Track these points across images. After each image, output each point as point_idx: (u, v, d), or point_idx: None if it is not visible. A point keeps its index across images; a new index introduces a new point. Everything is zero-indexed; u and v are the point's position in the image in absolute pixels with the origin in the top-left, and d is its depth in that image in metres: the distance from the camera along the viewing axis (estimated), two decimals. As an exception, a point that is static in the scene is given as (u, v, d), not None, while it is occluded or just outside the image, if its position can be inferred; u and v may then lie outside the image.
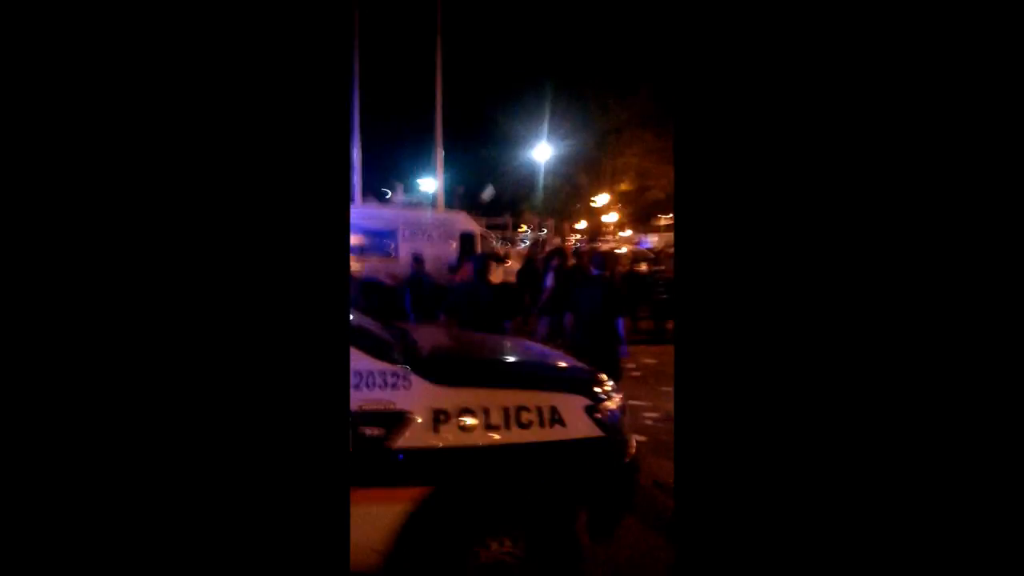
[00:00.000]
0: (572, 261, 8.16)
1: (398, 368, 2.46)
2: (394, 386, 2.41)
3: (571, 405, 2.55)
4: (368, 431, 2.31)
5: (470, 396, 2.45)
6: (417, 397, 2.40)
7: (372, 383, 2.40)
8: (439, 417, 2.38)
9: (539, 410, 2.48)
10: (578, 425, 2.53)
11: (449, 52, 16.35)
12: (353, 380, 2.36)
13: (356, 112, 15.84)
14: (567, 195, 26.38)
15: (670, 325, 10.38)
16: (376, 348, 2.57)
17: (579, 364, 3.21)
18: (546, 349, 3.63)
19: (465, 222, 13.88)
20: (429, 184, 23.91)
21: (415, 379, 2.43)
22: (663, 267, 10.97)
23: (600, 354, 4.28)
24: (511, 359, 3.31)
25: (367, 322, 3.04)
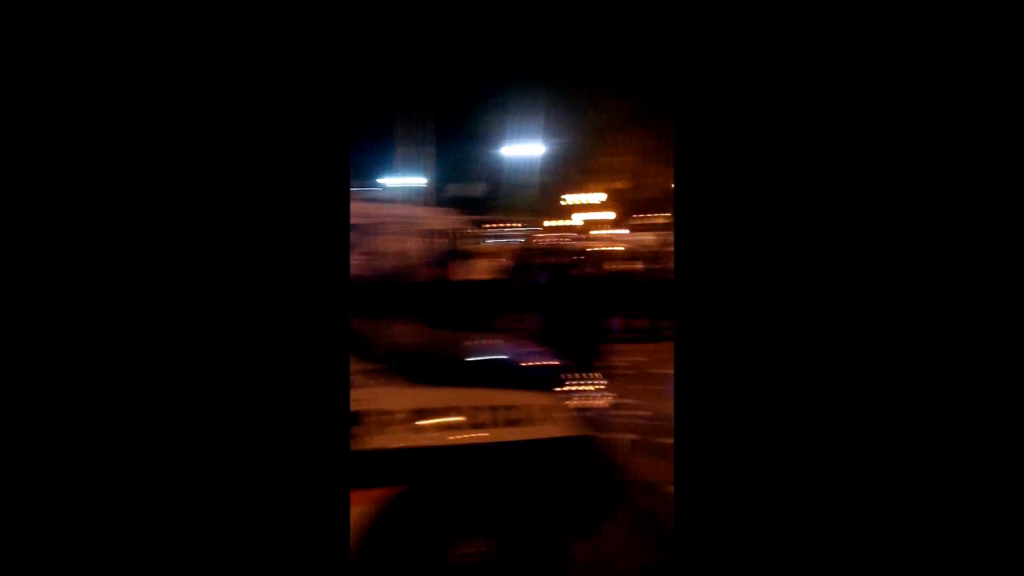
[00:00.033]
0: (563, 258, 8.16)
1: (366, 366, 2.42)
2: (362, 385, 2.38)
3: (549, 404, 2.52)
4: None
5: (446, 395, 2.42)
6: (386, 396, 2.36)
7: None
8: (412, 417, 2.34)
9: (515, 409, 2.45)
10: (556, 424, 2.50)
11: (439, 46, 16.31)
12: None
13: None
14: (558, 192, 26.44)
15: (664, 323, 10.44)
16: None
17: (561, 362, 3.18)
18: (526, 347, 3.60)
19: (442, 219, 13.84)
20: (414, 180, 23.85)
21: (385, 378, 2.40)
22: (660, 265, 11.01)
23: (590, 351, 4.27)
24: (489, 358, 3.28)
25: None
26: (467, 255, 5.98)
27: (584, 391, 2.75)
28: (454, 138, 25.44)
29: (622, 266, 10.96)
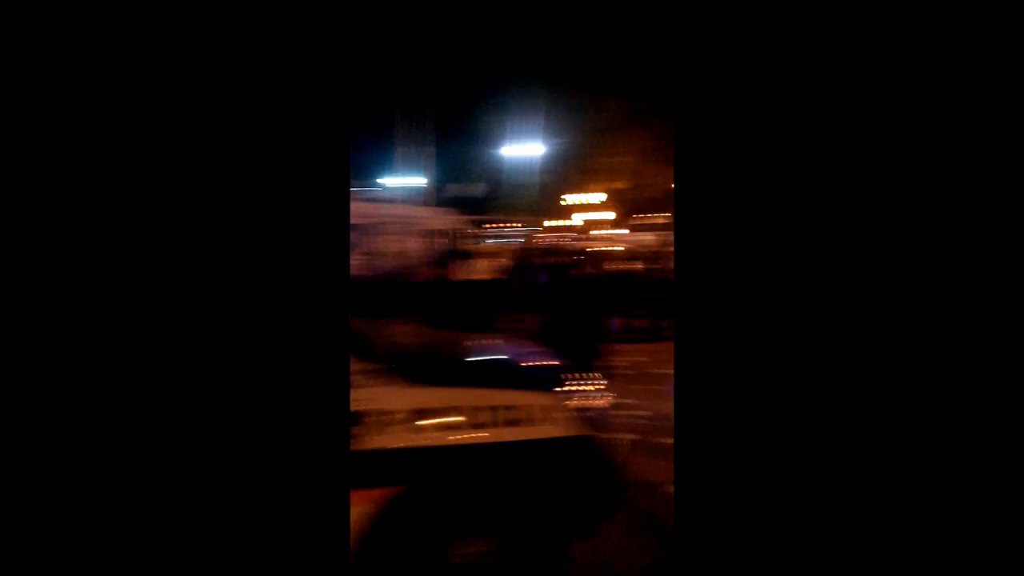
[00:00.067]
0: (564, 258, 8.16)
1: (366, 366, 2.42)
2: (362, 385, 2.38)
3: (549, 404, 2.52)
4: None
5: (446, 396, 2.41)
6: (386, 396, 2.36)
7: None
8: (412, 417, 2.34)
9: (515, 409, 2.45)
10: (556, 424, 2.50)
11: (439, 46, 16.30)
12: None
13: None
14: (559, 192, 26.41)
15: (664, 323, 10.44)
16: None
17: (562, 362, 3.18)
18: (525, 347, 3.59)
19: (443, 219, 13.79)
20: (415, 180, 23.84)
21: (384, 378, 2.39)
22: (660, 265, 10.99)
23: (590, 351, 4.27)
24: (488, 358, 3.27)
25: None
26: (467, 255, 5.96)
27: (584, 391, 2.75)
28: (454, 138, 25.42)
29: (622, 266, 10.96)
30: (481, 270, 11.58)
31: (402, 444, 2.32)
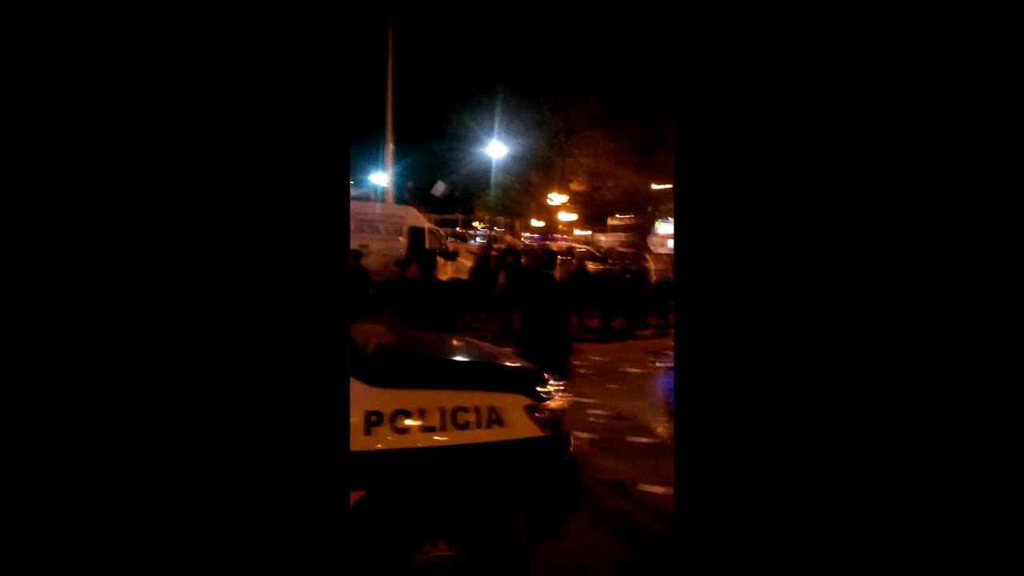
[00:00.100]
0: (524, 259, 8.17)
1: None
2: None
3: (512, 405, 2.52)
4: None
5: (407, 397, 2.38)
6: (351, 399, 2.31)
7: None
8: (372, 419, 2.31)
9: (477, 410, 2.44)
10: (519, 425, 2.49)
11: (401, 46, 16.18)
12: None
13: None
14: (520, 193, 26.45)
15: (616, 324, 10.57)
16: None
17: (523, 363, 3.17)
18: (490, 348, 3.57)
19: (415, 217, 13.65)
20: (379, 178, 23.60)
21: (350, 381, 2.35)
22: (613, 266, 11.10)
23: (549, 352, 4.28)
24: (452, 359, 3.24)
25: None
26: (434, 254, 5.93)
27: (547, 391, 2.75)
28: (425, 137, 25.29)
29: (584, 266, 11.06)
30: (447, 270, 11.50)
31: (361, 447, 2.28)
